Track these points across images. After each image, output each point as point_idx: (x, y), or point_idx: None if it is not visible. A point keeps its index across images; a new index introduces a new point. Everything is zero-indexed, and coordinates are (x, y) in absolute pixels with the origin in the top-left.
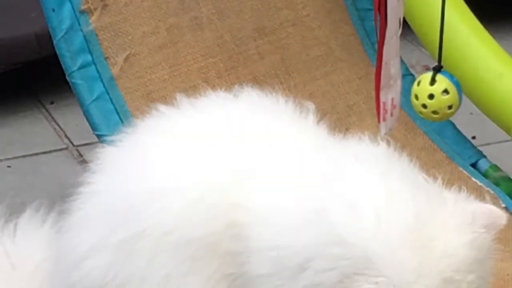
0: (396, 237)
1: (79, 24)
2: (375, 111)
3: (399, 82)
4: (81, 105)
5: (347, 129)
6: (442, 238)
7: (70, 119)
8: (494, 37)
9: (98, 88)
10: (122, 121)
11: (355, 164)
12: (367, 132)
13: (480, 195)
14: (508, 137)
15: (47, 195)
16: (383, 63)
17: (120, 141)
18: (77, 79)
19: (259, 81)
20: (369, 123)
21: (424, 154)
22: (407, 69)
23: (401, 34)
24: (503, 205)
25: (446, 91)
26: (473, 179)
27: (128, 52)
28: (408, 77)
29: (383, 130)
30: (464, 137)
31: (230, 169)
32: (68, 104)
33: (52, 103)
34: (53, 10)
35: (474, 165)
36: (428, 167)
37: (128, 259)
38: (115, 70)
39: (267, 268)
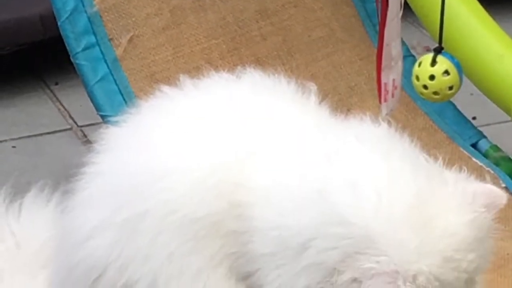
0: (397, 217)
1: (83, 5)
2: (376, 92)
3: (400, 63)
4: (85, 86)
5: (348, 110)
6: (443, 217)
7: (74, 99)
8: (494, 18)
9: (102, 69)
10: (125, 102)
11: (357, 145)
12: (369, 113)
13: (480, 175)
14: (508, 118)
15: (51, 175)
16: (384, 44)
17: (124, 121)
18: (81, 60)
19: (261, 62)
20: (370, 104)
21: (425, 135)
22: (408, 50)
23: (402, 16)
24: (503, 185)
25: (446, 72)
26: (474, 159)
27: (131, 34)
28: (409, 58)
29: (384, 110)
30: (465, 117)
31: (233, 150)
32: (72, 85)
33: (56, 84)
34: None
35: (474, 146)
36: (429, 147)
37: (132, 239)
38: (119, 51)
39: (270, 248)
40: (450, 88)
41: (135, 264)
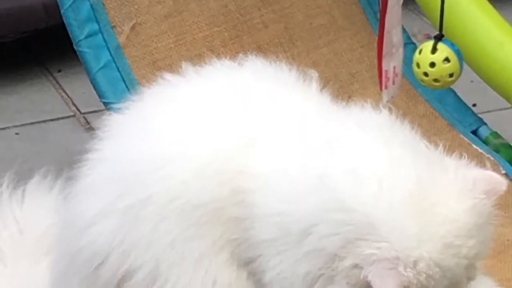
0: (398, 203)
1: None
2: (377, 79)
3: (401, 51)
4: (88, 73)
5: (349, 97)
6: (443, 204)
7: (77, 87)
8: (494, 6)
9: (105, 57)
10: (128, 89)
11: (358, 132)
12: (370, 100)
13: (480, 162)
14: (508, 105)
15: (54, 161)
16: (385, 31)
17: (127, 108)
18: (84, 47)
19: (263, 49)
20: (371, 91)
21: (426, 122)
22: (408, 37)
23: (403, 3)
24: (503, 172)
25: (447, 60)
26: (474, 146)
27: (134, 21)
28: (410, 45)
29: (385, 97)
30: (465, 104)
31: (235, 137)
32: (75, 72)
33: (59, 71)
34: None
35: (474, 132)
36: (430, 134)
37: (134, 225)
38: (121, 39)
39: (271, 234)
40: (451, 75)
41: (137, 251)
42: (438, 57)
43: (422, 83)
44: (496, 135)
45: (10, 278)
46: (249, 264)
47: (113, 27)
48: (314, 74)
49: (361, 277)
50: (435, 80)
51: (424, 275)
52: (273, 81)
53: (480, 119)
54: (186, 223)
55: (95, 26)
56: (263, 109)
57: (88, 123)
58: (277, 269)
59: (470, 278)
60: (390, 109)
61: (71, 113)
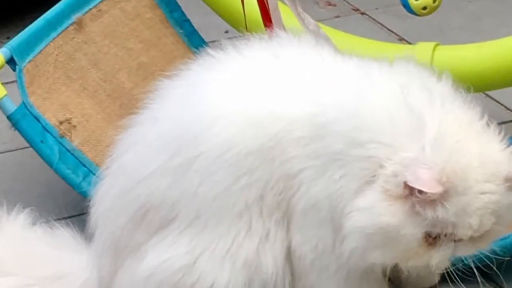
0: (442, 125)
1: (64, 146)
2: None
3: None
4: None
5: None
6: (488, 146)
7: None
8: None
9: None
10: None
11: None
12: None
13: None
14: None
15: None
16: None
17: (177, 75)
18: (86, 187)
19: None
20: None
21: None
22: None
23: None
24: None
25: None
26: None
27: None
28: None
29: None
30: None
31: (275, 91)
32: None
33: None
34: (42, 141)
35: None
36: None
37: (185, 180)
38: None
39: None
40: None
41: (184, 202)
42: None
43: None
44: None
45: None
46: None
47: None
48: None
49: (398, 180)
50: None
51: (455, 190)
52: (303, 47)
53: None
54: (237, 174)
55: (85, 169)
56: (301, 64)
57: None
58: (320, 187)
59: (496, 229)
60: None
61: None
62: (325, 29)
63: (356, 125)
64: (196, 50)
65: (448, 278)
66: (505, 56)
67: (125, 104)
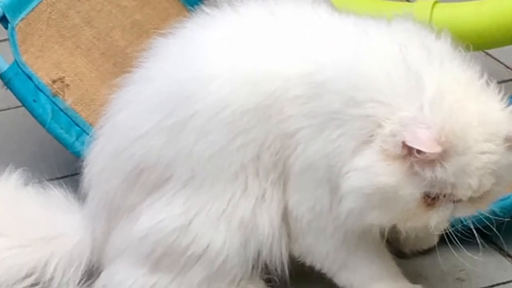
0: (441, 84)
1: (57, 105)
2: None
3: None
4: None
5: None
6: (488, 105)
7: None
8: None
9: None
10: None
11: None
12: None
13: None
14: None
15: None
16: None
17: (172, 33)
18: (79, 147)
19: None
20: None
21: None
22: None
23: None
24: None
25: None
26: None
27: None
28: None
29: None
30: None
31: (271, 49)
32: None
33: None
34: (34, 100)
35: None
36: None
37: (180, 140)
38: None
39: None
40: None
41: (179, 161)
42: None
43: None
44: None
45: None
46: (288, 158)
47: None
48: None
49: (397, 140)
50: None
51: (454, 148)
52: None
53: None
54: (232, 133)
55: (78, 128)
56: (298, 22)
57: None
58: (318, 145)
59: (496, 190)
60: None
61: None
62: None
63: (354, 83)
64: (191, 8)
65: (447, 240)
66: (505, 14)
67: (119, 62)
